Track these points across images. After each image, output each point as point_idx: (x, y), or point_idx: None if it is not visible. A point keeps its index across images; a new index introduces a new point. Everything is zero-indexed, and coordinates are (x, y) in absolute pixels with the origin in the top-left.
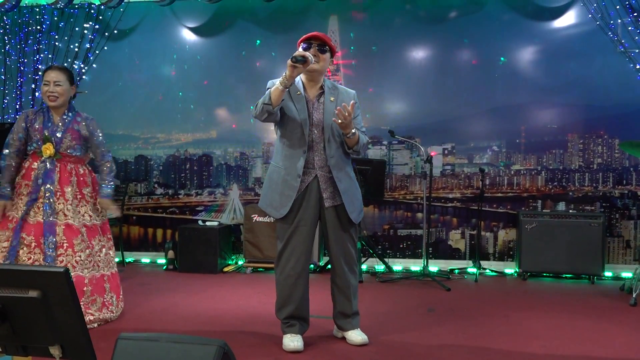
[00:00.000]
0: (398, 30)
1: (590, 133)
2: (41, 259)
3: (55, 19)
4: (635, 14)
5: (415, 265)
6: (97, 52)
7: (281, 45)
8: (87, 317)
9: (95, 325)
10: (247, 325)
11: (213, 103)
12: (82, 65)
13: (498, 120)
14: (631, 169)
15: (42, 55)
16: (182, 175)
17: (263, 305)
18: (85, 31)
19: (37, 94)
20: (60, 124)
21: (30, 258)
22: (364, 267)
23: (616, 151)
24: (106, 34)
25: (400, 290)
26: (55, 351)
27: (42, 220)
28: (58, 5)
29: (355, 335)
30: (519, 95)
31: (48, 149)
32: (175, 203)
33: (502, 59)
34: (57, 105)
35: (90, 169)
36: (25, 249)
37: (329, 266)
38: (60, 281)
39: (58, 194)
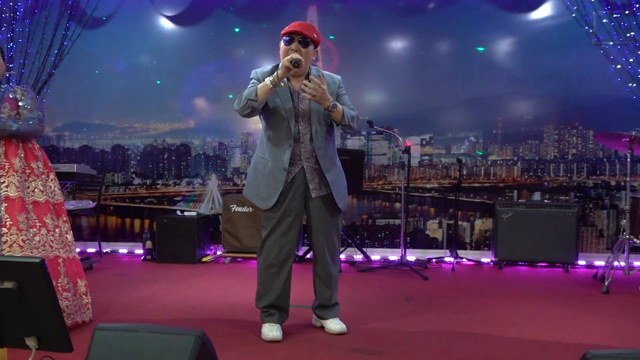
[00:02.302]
0: (377, 21)
1: (566, 124)
2: (20, 240)
3: (30, 4)
4: (609, 7)
5: (393, 255)
6: (72, 40)
7: (260, 35)
8: (63, 304)
9: None
10: (225, 315)
11: (191, 92)
12: (56, 53)
13: (475, 111)
14: (605, 159)
15: (15, 44)
16: (160, 165)
17: (241, 295)
18: (61, 19)
19: (10, 82)
20: None
21: (7, 241)
22: (342, 256)
23: (590, 142)
24: (82, 21)
25: (379, 280)
26: (31, 342)
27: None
28: None
29: (334, 324)
30: (496, 87)
31: None
32: (153, 193)
33: (479, 48)
34: None
35: (39, 145)
36: None
37: (308, 256)
38: (36, 272)
39: (6, 167)
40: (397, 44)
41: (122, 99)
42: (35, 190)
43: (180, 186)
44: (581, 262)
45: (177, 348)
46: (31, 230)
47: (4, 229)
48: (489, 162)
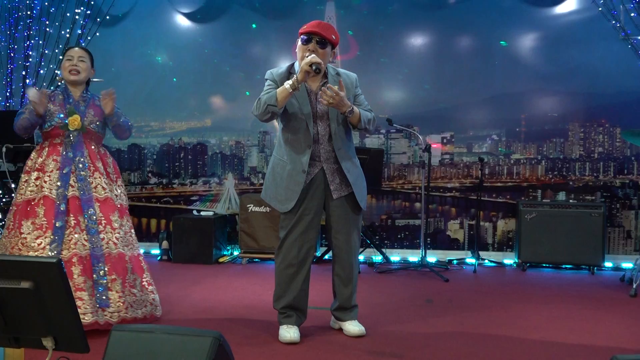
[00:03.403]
0: (396, 16)
1: (592, 121)
2: (83, 239)
3: (46, 4)
4: (638, 0)
5: (413, 256)
6: (89, 38)
7: (277, 32)
8: (129, 299)
9: (146, 310)
10: (242, 316)
11: (207, 90)
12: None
13: (498, 108)
14: (632, 158)
15: (32, 41)
16: (177, 164)
17: (259, 296)
18: (77, 17)
19: (27, 81)
20: (80, 100)
21: (72, 239)
22: (361, 257)
23: (617, 140)
24: (98, 19)
25: (398, 281)
26: (48, 343)
27: (78, 196)
28: None
29: (353, 327)
30: (519, 83)
31: (75, 121)
32: (170, 193)
33: (502, 42)
34: (77, 79)
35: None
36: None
37: (327, 256)
38: (53, 272)
39: (92, 167)
40: (417, 40)
41: (138, 98)
42: (116, 192)
43: (197, 185)
44: (608, 264)
45: (193, 349)
46: (122, 229)
47: (100, 226)
48: (512, 161)
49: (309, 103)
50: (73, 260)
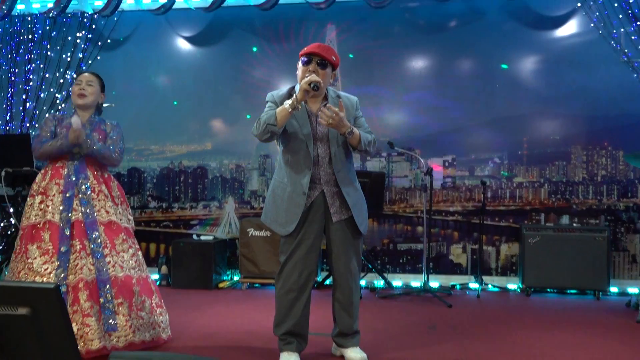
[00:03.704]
0: (398, 39)
1: (594, 144)
2: (89, 264)
3: (48, 28)
4: (638, 23)
5: (416, 281)
6: (90, 61)
7: (278, 55)
8: (136, 322)
9: (154, 333)
10: (242, 342)
11: (208, 114)
12: (74, 76)
13: (499, 131)
14: (636, 181)
15: (33, 65)
16: (176, 188)
17: (259, 322)
18: (78, 40)
19: (27, 104)
20: (87, 124)
21: (78, 264)
22: (362, 282)
23: (620, 163)
24: (99, 43)
25: (400, 307)
26: None
27: (81, 219)
28: (50, 14)
29: (355, 353)
30: (520, 106)
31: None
32: (169, 217)
33: (503, 65)
34: (85, 103)
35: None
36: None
37: (327, 281)
38: (50, 298)
39: (95, 190)
40: (419, 63)
41: (139, 121)
42: (121, 215)
43: (197, 209)
44: (613, 289)
45: None
46: (129, 251)
47: (105, 250)
48: (515, 184)
49: (309, 124)
50: (79, 286)
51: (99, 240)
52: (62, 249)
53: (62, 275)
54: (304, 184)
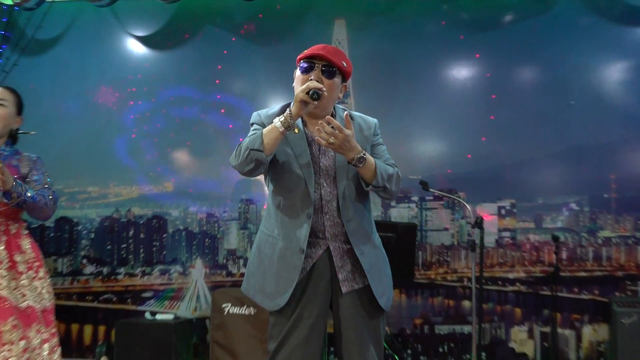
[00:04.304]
0: (430, 40)
1: None
2: None
3: None
4: None
5: None
6: (6, 71)
7: (267, 61)
8: None
9: None
10: None
11: (170, 142)
12: None
13: (577, 166)
14: None
15: None
16: (123, 246)
17: None
18: None
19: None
20: None
21: None
22: None
23: None
24: (20, 45)
25: None
26: None
27: None
28: None
29: None
30: (606, 130)
31: None
32: (112, 287)
33: (580, 75)
34: None
35: (27, 232)
36: None
37: None
38: None
39: None
40: (461, 72)
41: (73, 152)
42: (17, 291)
43: (151, 277)
44: None
45: None
46: (19, 344)
47: None
48: (600, 241)
49: (308, 154)
50: None
51: None
52: None
53: None
54: (301, 237)
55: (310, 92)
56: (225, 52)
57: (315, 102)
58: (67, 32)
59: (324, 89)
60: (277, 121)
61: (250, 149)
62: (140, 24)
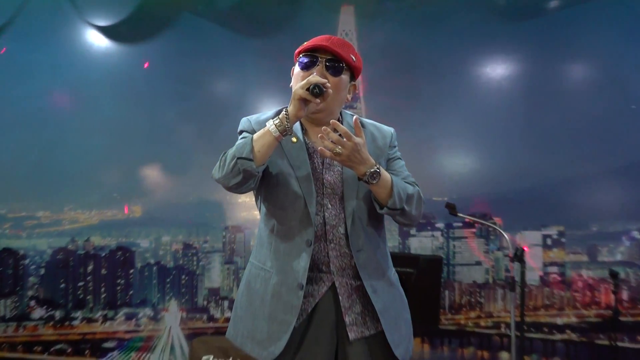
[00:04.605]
0: (458, 30)
1: None
2: None
3: None
4: None
5: None
6: None
7: (259, 57)
8: None
9: None
10: None
11: (137, 156)
12: None
13: (638, 185)
14: None
15: None
16: (80, 284)
17: None
18: None
19: None
20: None
21: None
22: None
23: None
24: None
25: None
26: None
27: None
28: None
29: None
30: None
31: None
32: (67, 335)
33: None
34: None
35: None
36: None
37: None
38: None
39: None
40: (496, 70)
41: (18, 169)
42: None
43: (115, 322)
44: None
45: None
46: None
47: None
48: None
49: (309, 168)
50: None
51: None
52: None
53: None
54: (299, 271)
55: (312, 88)
56: (206, 45)
57: (318, 101)
58: (12, 21)
59: (329, 84)
60: (271, 124)
61: (238, 158)
62: (103, 12)
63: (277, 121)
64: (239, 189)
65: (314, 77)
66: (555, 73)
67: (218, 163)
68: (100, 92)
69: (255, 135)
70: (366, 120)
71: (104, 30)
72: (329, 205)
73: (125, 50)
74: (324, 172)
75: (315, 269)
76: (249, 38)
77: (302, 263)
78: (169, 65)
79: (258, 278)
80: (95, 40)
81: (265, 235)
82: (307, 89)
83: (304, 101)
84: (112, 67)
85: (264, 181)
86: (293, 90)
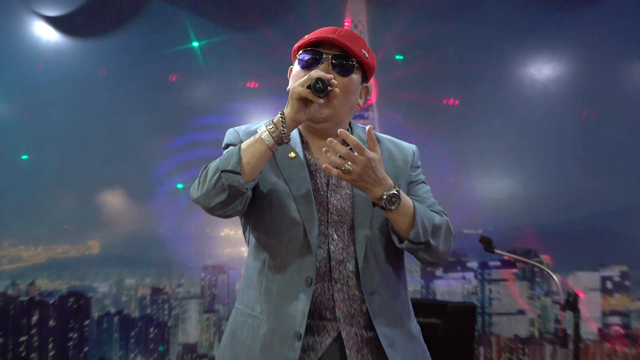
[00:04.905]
0: (493, 22)
1: None
2: None
3: None
4: None
5: None
6: None
7: (245, 53)
8: None
9: None
10: None
11: (95, 177)
12: None
13: None
14: None
15: None
16: (22, 339)
17: None
18: None
19: None
20: None
21: None
22: None
23: None
24: None
25: None
26: None
27: None
28: None
29: None
30: None
31: None
32: None
33: None
34: None
35: None
36: None
37: None
38: None
39: None
40: (542, 71)
41: None
42: None
43: None
44: None
45: None
46: None
47: None
48: None
49: (310, 189)
50: None
51: None
52: None
53: None
54: (296, 316)
55: (314, 83)
56: (180, 40)
57: (321, 100)
58: None
59: (335, 81)
60: (264, 130)
61: (222, 171)
62: (53, 1)
63: (270, 126)
64: (223, 210)
65: (316, 71)
66: (617, 74)
67: (197, 179)
68: (50, 99)
69: (243, 144)
70: (382, 135)
71: (54, 21)
72: (335, 236)
73: (81, 47)
74: (329, 195)
75: (317, 315)
76: (235, 30)
77: (300, 307)
78: (133, 61)
79: (245, 326)
80: (44, 34)
81: (255, 272)
82: (309, 86)
83: (303, 101)
84: (64, 67)
85: (254, 205)
86: (290, 89)
